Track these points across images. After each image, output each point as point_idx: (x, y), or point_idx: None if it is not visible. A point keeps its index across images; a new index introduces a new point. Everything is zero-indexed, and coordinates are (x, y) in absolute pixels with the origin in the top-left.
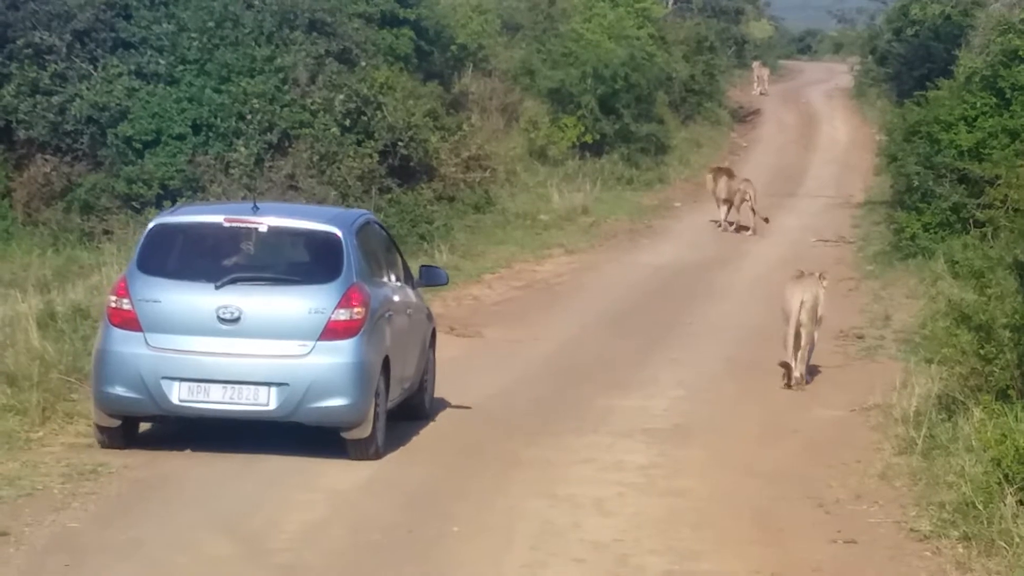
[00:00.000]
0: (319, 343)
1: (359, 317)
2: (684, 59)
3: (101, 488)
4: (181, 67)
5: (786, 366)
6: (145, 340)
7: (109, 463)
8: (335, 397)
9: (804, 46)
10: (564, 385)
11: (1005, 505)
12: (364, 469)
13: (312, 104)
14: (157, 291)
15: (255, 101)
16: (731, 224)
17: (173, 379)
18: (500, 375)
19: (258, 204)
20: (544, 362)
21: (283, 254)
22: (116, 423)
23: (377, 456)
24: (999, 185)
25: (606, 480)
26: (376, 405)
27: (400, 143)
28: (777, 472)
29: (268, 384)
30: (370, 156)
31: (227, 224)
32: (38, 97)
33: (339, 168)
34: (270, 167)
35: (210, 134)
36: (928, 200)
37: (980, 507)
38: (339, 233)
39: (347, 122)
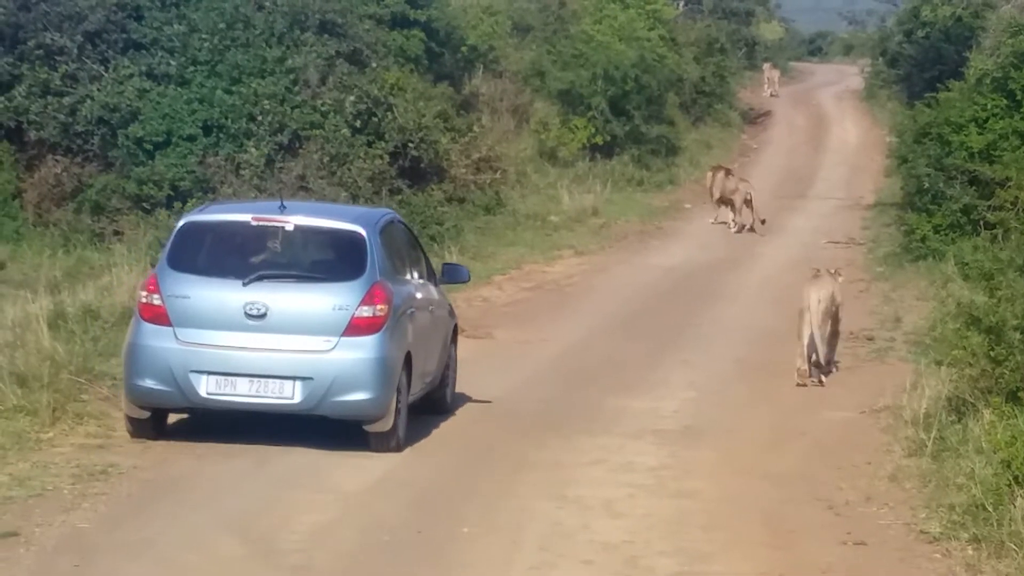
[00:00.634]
0: (343, 339)
1: (382, 314)
2: (695, 61)
3: (111, 488)
4: (192, 68)
5: (818, 365)
6: (175, 334)
7: (119, 464)
8: (358, 391)
9: (815, 48)
10: (574, 386)
11: (1015, 507)
12: (374, 469)
13: (323, 105)
14: (186, 287)
15: (266, 102)
16: (735, 224)
17: (201, 372)
18: (510, 376)
19: (285, 203)
20: (554, 363)
21: (309, 252)
22: (146, 415)
23: (399, 448)
24: (1009, 187)
25: (616, 481)
26: (398, 399)
27: (411, 144)
28: (787, 474)
29: (293, 378)
30: (380, 157)
31: (255, 223)
32: (49, 98)
33: (350, 169)
34: (281, 168)
35: (221, 135)
36: (938, 202)
37: (990, 509)
38: (363, 232)
39: (358, 123)
